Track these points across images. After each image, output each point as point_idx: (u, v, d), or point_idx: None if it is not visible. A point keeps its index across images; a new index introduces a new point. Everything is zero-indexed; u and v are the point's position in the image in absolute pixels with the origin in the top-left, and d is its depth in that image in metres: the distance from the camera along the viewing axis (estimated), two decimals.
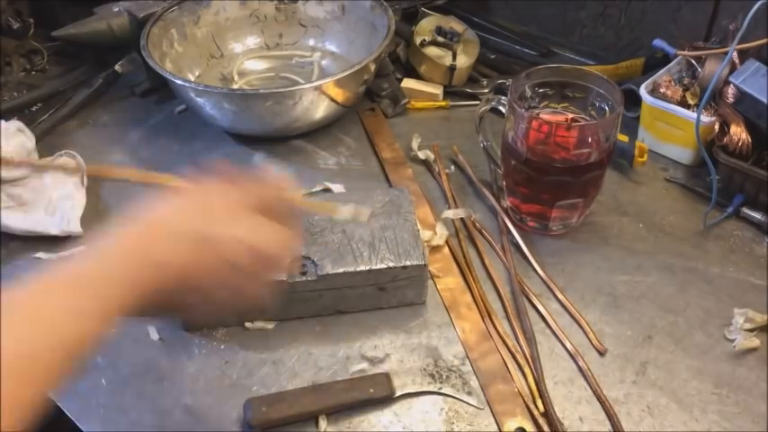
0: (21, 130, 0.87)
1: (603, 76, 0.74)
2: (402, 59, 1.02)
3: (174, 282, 0.49)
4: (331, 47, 1.06)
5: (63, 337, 0.43)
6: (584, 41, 1.06)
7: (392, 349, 0.68)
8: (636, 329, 0.69)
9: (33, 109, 0.99)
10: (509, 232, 0.78)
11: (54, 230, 0.79)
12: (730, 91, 0.81)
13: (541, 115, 0.76)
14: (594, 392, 0.64)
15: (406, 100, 0.97)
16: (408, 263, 0.68)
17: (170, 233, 0.50)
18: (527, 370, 0.66)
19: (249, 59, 1.06)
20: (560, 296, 0.72)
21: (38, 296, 0.44)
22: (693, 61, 0.87)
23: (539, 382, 0.64)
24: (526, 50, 1.07)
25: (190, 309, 0.54)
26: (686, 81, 0.87)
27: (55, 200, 0.81)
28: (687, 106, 0.84)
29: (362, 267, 0.68)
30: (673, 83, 0.87)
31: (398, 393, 0.63)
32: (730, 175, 0.79)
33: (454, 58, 0.97)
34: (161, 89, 0.99)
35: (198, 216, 0.51)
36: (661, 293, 0.72)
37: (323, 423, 0.61)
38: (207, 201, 0.53)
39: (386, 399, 0.63)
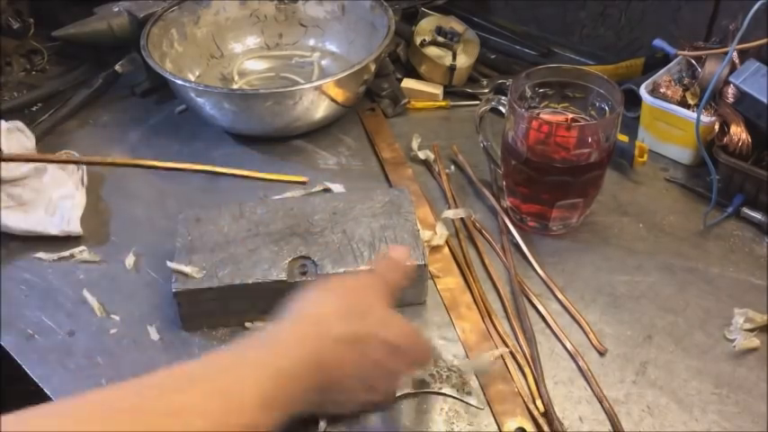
0: (21, 130, 0.87)
1: (603, 76, 0.74)
2: (402, 59, 1.02)
3: (328, 380, 0.53)
4: (331, 47, 1.06)
5: (244, 418, 0.45)
6: (584, 41, 1.06)
7: None
8: (636, 329, 0.69)
9: (33, 109, 0.99)
10: (509, 232, 0.78)
11: (54, 230, 0.79)
12: (730, 91, 0.81)
13: (541, 115, 0.76)
14: (594, 392, 0.64)
15: (406, 100, 0.97)
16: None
17: (332, 336, 0.53)
18: (527, 370, 0.66)
19: (249, 59, 1.06)
20: (560, 296, 0.72)
21: (220, 373, 0.47)
22: (693, 61, 0.87)
23: (539, 382, 0.64)
24: (526, 50, 1.07)
25: (329, 405, 0.57)
26: (686, 81, 0.87)
27: (55, 200, 0.81)
28: (687, 106, 0.84)
29: (362, 267, 0.68)
30: (673, 83, 0.87)
31: (398, 393, 0.63)
32: (730, 175, 0.79)
33: (454, 58, 0.97)
34: (161, 89, 0.99)
35: (353, 317, 0.55)
36: (661, 293, 0.72)
37: (323, 423, 0.61)
38: (357, 299, 0.56)
39: (386, 399, 0.63)
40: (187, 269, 0.67)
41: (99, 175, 0.88)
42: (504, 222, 0.79)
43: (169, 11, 0.97)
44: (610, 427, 0.61)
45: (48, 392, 0.65)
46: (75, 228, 0.79)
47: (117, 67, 0.97)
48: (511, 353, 0.67)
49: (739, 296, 0.71)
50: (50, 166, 0.84)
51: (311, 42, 1.07)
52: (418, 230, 0.71)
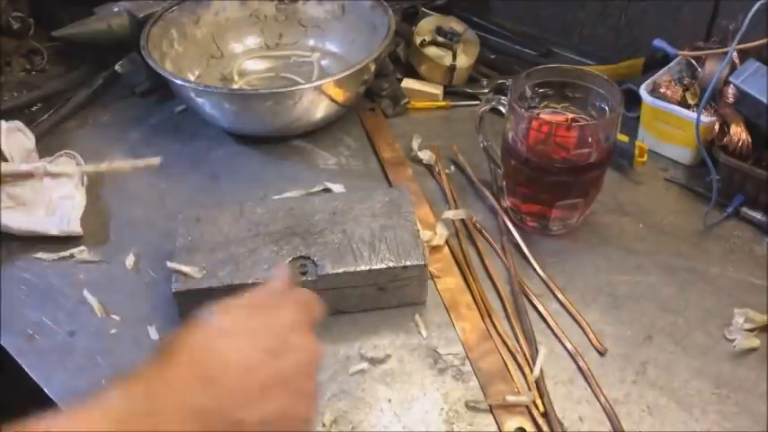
0: (21, 130, 0.87)
1: (603, 76, 0.74)
2: (402, 59, 1.02)
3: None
4: (331, 47, 1.06)
5: None
6: (584, 41, 1.06)
7: (392, 349, 0.68)
8: (636, 329, 0.69)
9: (33, 109, 0.99)
10: (509, 232, 0.78)
11: (54, 230, 0.79)
12: (730, 91, 0.81)
13: (541, 115, 0.76)
14: (594, 392, 0.64)
15: (406, 100, 0.97)
16: (408, 263, 0.68)
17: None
18: (527, 370, 0.66)
19: (249, 59, 1.06)
20: (560, 296, 0.72)
21: None
22: (693, 61, 0.87)
23: (539, 382, 0.64)
24: (526, 50, 1.07)
25: None
26: (686, 81, 0.87)
27: (55, 200, 0.81)
28: (687, 106, 0.84)
29: (362, 267, 0.68)
30: (673, 83, 0.87)
31: None
32: (730, 175, 0.79)
33: (454, 58, 0.97)
34: (161, 89, 0.99)
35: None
36: (661, 293, 0.72)
37: (328, 417, 0.61)
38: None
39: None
40: (187, 269, 0.67)
41: (99, 175, 0.88)
42: (504, 222, 0.79)
43: (169, 11, 0.97)
44: (610, 427, 0.61)
45: (48, 393, 0.65)
46: (75, 228, 0.79)
47: (117, 67, 0.97)
48: (511, 353, 0.67)
49: (739, 296, 0.71)
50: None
51: (311, 42, 1.07)
52: (418, 230, 0.71)
